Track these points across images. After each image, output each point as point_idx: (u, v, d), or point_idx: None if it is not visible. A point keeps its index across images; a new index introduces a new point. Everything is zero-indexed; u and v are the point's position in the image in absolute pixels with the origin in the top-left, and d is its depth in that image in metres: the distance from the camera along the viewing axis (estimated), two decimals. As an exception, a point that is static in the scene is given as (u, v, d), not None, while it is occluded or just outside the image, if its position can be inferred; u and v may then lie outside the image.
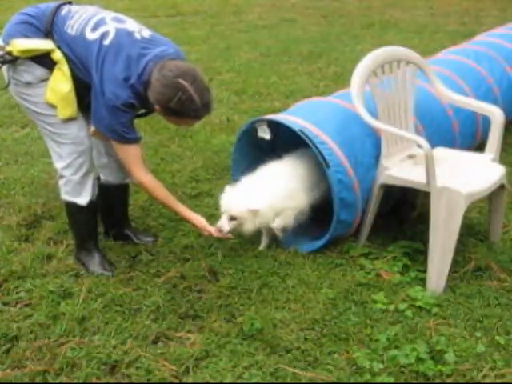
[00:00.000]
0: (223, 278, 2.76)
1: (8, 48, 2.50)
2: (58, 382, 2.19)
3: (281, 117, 3.02)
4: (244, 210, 2.78)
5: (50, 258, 2.97)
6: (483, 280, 2.75)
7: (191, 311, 2.56)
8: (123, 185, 3.03)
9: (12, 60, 2.52)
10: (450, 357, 2.24)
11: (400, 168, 2.87)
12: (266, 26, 9.20)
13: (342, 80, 5.79)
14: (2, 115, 5.19)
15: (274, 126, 3.00)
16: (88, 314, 2.53)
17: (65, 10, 2.59)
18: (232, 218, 2.81)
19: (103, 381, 2.19)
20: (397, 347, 2.31)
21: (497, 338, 2.36)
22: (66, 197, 2.79)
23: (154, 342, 2.38)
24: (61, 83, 2.54)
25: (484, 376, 2.17)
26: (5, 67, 2.57)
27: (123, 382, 2.19)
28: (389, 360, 2.23)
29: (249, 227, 2.85)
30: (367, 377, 2.17)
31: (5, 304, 2.63)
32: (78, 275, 2.83)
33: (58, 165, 2.72)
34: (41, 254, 2.97)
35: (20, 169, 4.06)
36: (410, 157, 2.98)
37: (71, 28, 2.52)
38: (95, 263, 2.86)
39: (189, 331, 2.44)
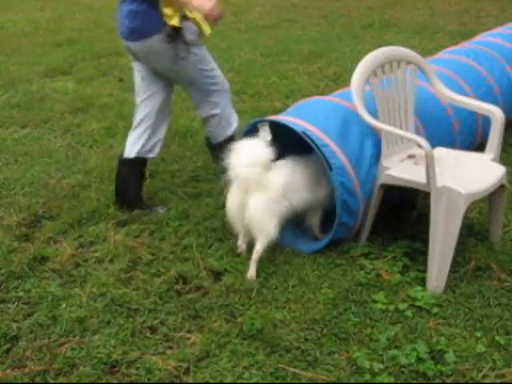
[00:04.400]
0: (223, 278, 2.77)
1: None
2: (58, 382, 2.19)
3: (283, 118, 3.02)
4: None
5: (49, 257, 2.97)
6: (483, 280, 2.75)
7: (191, 311, 2.56)
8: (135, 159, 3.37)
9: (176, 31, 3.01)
10: (450, 357, 2.24)
11: (400, 168, 2.87)
12: (265, 26, 9.18)
13: (342, 80, 5.78)
14: (2, 115, 5.18)
15: (274, 126, 3.00)
16: (88, 314, 2.53)
17: None
18: None
19: (103, 381, 2.19)
20: (397, 347, 2.31)
21: (497, 338, 2.36)
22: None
23: (154, 342, 2.39)
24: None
25: (484, 376, 2.18)
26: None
27: (123, 382, 2.19)
28: (389, 360, 2.24)
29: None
30: (367, 377, 2.17)
31: (5, 304, 2.63)
32: (78, 275, 2.83)
33: (214, 111, 3.35)
34: (41, 254, 2.97)
35: (20, 169, 4.06)
36: (410, 157, 2.98)
37: None
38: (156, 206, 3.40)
39: (189, 331, 2.44)
